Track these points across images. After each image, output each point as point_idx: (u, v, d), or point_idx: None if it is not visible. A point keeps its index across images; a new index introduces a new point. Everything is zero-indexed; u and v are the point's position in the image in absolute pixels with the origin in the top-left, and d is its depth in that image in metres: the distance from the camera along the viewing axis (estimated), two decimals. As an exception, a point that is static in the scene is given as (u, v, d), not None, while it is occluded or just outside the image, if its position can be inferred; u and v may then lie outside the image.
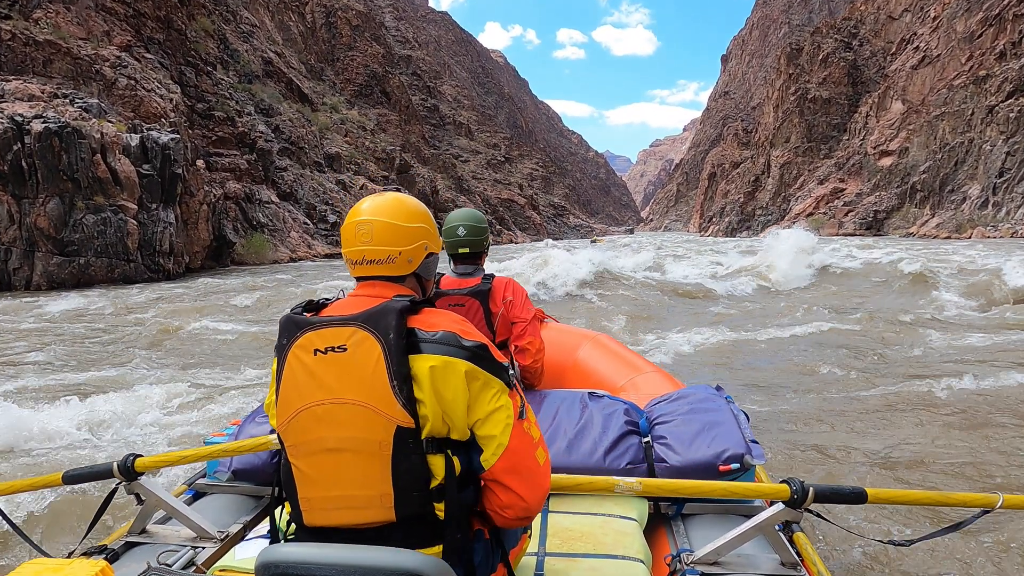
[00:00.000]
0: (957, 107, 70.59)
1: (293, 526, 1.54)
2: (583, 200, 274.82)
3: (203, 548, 2.09)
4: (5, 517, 2.17)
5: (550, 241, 51.08)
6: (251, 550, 1.98)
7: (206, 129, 38.51)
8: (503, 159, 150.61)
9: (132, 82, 31.02)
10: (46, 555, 1.89)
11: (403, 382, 1.36)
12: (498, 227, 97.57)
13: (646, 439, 2.36)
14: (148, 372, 8.03)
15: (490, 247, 2.96)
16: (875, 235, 74.33)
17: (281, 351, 1.47)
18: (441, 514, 1.41)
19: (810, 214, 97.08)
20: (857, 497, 1.80)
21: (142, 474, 2.09)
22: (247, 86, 49.85)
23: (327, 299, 1.58)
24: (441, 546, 1.42)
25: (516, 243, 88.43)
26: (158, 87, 32.76)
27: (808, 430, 5.13)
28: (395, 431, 1.36)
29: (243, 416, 2.75)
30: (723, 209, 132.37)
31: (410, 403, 1.36)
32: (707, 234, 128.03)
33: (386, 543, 1.38)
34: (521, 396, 1.50)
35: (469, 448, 1.46)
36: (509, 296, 2.82)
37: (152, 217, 23.15)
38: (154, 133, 23.64)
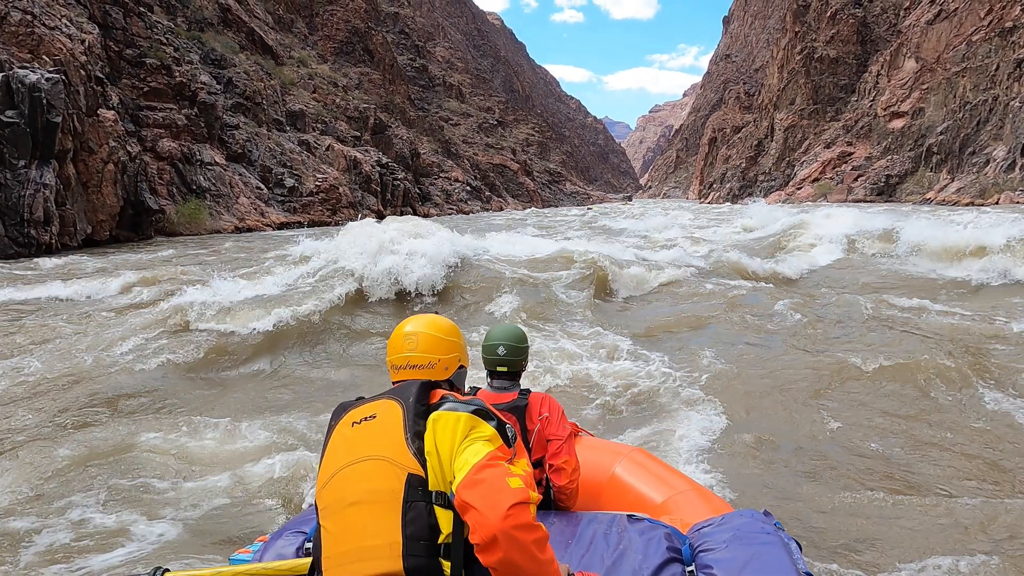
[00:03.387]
0: (980, 62, 65.32)
1: None
2: (581, 167, 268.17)
3: None
4: None
5: (534, 209, 46.75)
6: None
7: (136, 79, 33.55)
8: (496, 123, 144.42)
9: (29, 17, 26.12)
10: None
11: (415, 436, 1.58)
12: (487, 193, 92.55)
13: (690, 568, 2.20)
14: None
15: (527, 362, 2.95)
16: (887, 201, 69.65)
17: (329, 431, 1.75)
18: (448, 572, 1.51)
19: (816, 179, 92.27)
20: None
21: None
22: (197, 34, 44.62)
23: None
24: None
25: (504, 209, 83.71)
26: (66, 25, 27.81)
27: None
28: (406, 478, 1.54)
29: (270, 532, 2.61)
30: (724, 175, 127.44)
31: (420, 453, 1.56)
32: (707, 201, 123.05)
33: None
34: (514, 452, 1.62)
35: None
36: (545, 412, 2.79)
37: (18, 177, 18.52)
38: (21, 71, 18.87)
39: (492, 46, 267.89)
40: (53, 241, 19.77)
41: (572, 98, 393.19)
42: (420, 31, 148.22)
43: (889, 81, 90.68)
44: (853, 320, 8.68)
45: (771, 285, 12.11)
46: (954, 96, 68.59)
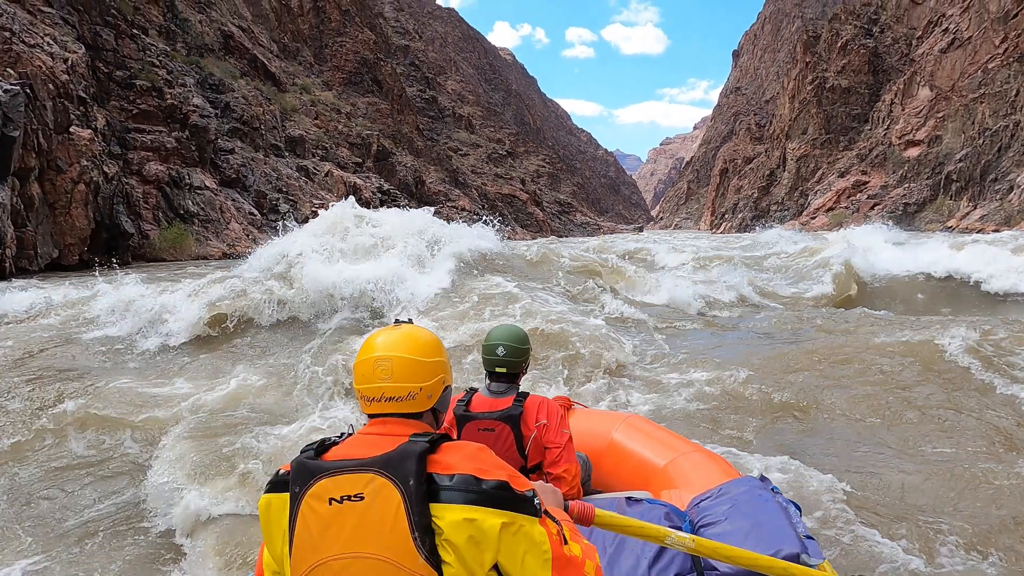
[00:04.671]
0: (998, 88, 63.76)
1: None
2: (592, 198, 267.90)
3: None
4: None
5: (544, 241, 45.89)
6: None
7: (125, 100, 32.57)
8: (506, 154, 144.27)
9: (7, 34, 25.15)
10: None
11: (425, 533, 1.28)
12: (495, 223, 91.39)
13: None
14: None
15: (529, 364, 2.85)
16: (905, 230, 67.62)
17: (294, 500, 1.36)
18: None
19: (830, 209, 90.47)
20: None
21: None
22: (196, 59, 43.92)
23: (337, 438, 1.46)
24: None
25: (511, 239, 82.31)
26: (48, 43, 26.82)
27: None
28: None
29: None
30: (736, 205, 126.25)
31: (433, 556, 1.28)
32: (719, 231, 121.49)
33: None
34: (553, 518, 1.41)
35: None
36: (542, 419, 2.69)
37: (-33, 194, 17.12)
38: (-25, 81, 17.62)
39: (504, 80, 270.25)
40: (8, 264, 18.30)
41: (583, 131, 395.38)
42: (431, 64, 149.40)
43: (903, 110, 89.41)
44: (855, 318, 8.90)
45: (772, 299, 12.18)
46: (972, 123, 66.96)
